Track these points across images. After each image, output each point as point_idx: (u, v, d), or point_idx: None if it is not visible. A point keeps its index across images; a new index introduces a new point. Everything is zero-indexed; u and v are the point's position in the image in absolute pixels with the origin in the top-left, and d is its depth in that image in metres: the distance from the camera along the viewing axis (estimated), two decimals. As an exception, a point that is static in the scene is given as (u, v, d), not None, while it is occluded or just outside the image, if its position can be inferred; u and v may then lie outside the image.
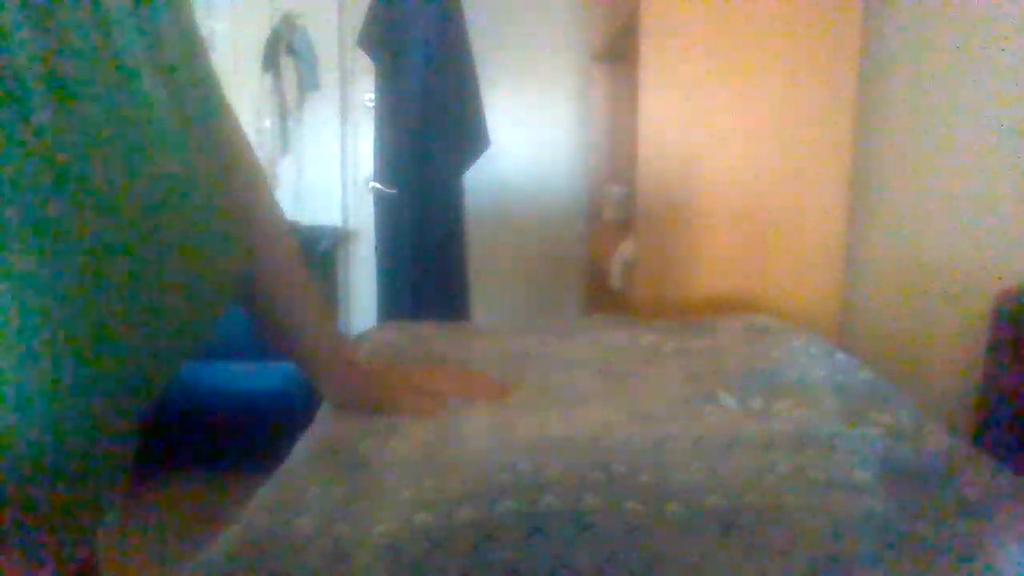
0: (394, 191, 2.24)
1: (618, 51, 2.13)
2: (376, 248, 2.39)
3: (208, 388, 2.27)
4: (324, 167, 2.89)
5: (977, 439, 0.98)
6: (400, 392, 0.80)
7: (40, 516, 0.40)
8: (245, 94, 2.76)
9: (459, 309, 2.32)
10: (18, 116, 0.34)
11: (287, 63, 2.81)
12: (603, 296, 2.24)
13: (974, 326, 1.10)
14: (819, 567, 0.52)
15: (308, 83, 2.82)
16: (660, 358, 0.98)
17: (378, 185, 2.31)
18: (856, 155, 1.46)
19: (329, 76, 2.84)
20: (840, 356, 0.94)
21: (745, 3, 1.42)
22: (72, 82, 0.36)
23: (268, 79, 2.82)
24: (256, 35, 2.79)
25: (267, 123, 2.84)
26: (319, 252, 2.63)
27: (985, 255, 1.13)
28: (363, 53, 2.32)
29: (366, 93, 2.66)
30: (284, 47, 2.79)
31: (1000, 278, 1.05)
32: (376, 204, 2.37)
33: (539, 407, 0.78)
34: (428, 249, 2.24)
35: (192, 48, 0.50)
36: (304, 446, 0.73)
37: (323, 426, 0.78)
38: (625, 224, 1.93)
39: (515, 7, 2.67)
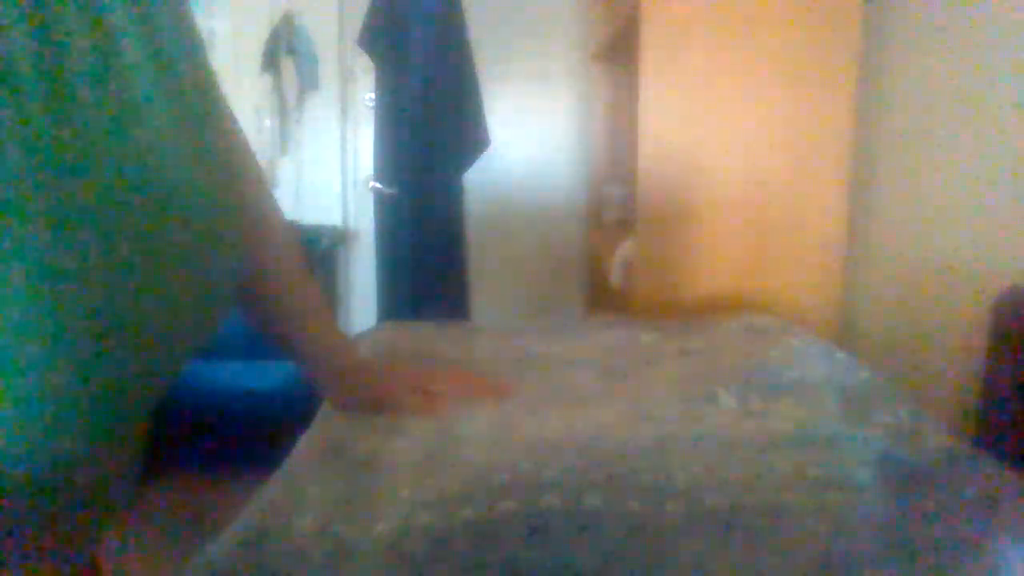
0: (394, 191, 2.24)
1: (618, 51, 2.13)
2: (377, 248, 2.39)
3: (208, 388, 2.27)
4: (324, 167, 2.89)
5: (977, 439, 0.98)
6: (401, 392, 0.80)
7: (44, 520, 0.40)
8: (245, 94, 2.76)
9: (459, 309, 2.31)
10: (13, 116, 0.34)
11: (287, 63, 2.81)
12: (603, 296, 2.24)
13: (974, 326, 1.10)
14: (819, 567, 0.52)
15: (308, 83, 2.82)
16: (660, 358, 0.98)
17: (378, 185, 2.31)
18: (856, 155, 1.46)
19: (329, 76, 2.84)
20: (840, 356, 0.94)
21: (745, 3, 1.41)
22: (69, 81, 0.36)
23: (268, 79, 2.82)
24: (256, 35, 2.79)
25: (267, 123, 2.85)
26: (319, 252, 2.63)
27: (985, 255, 1.13)
28: (363, 53, 2.32)
29: (366, 93, 2.66)
30: (284, 46, 2.79)
31: (1000, 278, 1.05)
32: (376, 204, 2.37)
33: (539, 407, 0.78)
34: (428, 249, 2.24)
35: (191, 47, 0.50)
36: (304, 446, 0.73)
37: (323, 426, 0.77)
38: (625, 224, 1.93)
39: (515, 7, 2.67)
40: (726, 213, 1.47)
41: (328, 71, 2.84)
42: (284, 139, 2.87)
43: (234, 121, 0.65)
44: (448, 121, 2.20)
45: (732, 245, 1.48)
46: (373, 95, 2.37)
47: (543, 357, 0.98)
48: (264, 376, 2.30)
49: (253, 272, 0.67)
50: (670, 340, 1.05)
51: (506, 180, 2.75)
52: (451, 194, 2.28)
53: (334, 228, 2.85)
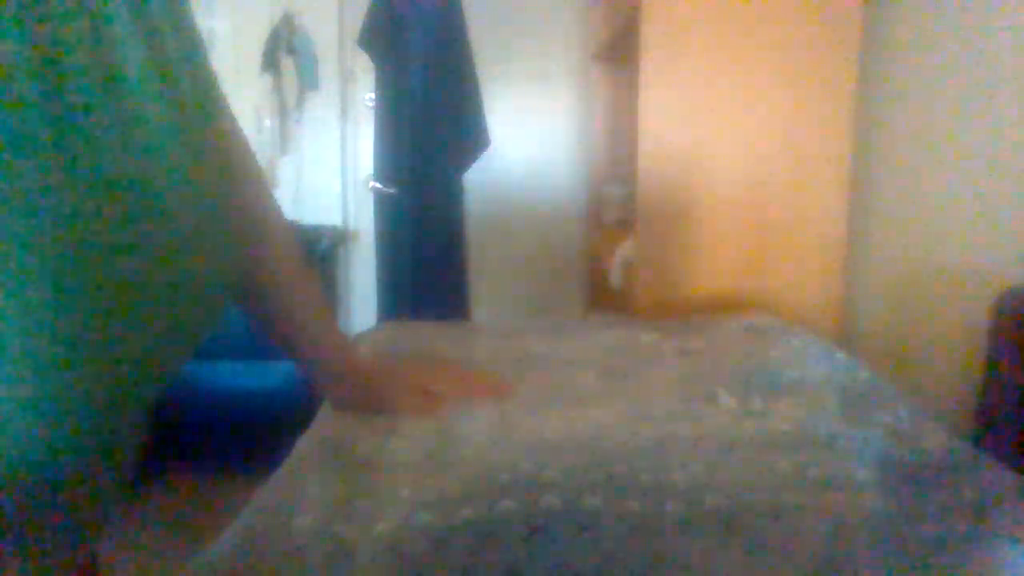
0: (394, 191, 2.24)
1: (618, 51, 2.13)
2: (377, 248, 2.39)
3: (208, 388, 2.27)
4: (324, 167, 2.89)
5: (977, 439, 0.98)
6: (400, 392, 0.80)
7: (41, 519, 0.40)
8: (245, 94, 2.75)
9: (459, 309, 2.31)
10: (11, 119, 0.34)
11: (287, 63, 2.81)
12: (603, 296, 2.24)
13: (974, 326, 1.10)
14: (819, 567, 0.52)
15: (308, 83, 2.82)
16: (660, 358, 0.98)
17: (378, 185, 2.31)
18: (856, 155, 1.46)
19: (329, 76, 2.84)
20: (840, 356, 0.94)
21: (745, 3, 1.42)
22: (68, 83, 0.36)
23: (268, 79, 2.82)
24: (256, 35, 2.79)
25: (267, 123, 2.84)
26: (319, 252, 2.63)
27: (985, 256, 1.13)
28: (363, 53, 2.32)
29: (366, 93, 2.66)
30: (284, 47, 2.79)
31: (1000, 278, 1.05)
32: (376, 204, 2.37)
33: (539, 407, 0.78)
34: (428, 249, 2.24)
35: (191, 47, 0.50)
36: (304, 446, 0.73)
37: (323, 426, 0.78)
38: (625, 224, 1.93)
39: (515, 7, 2.67)
40: (726, 213, 1.47)
41: (328, 71, 2.84)
42: (284, 139, 2.87)
43: (234, 121, 0.65)
44: (448, 121, 2.20)
45: (732, 245, 1.48)
46: (373, 95, 2.37)
47: (543, 357, 0.99)
48: (264, 376, 2.30)
49: (253, 272, 0.67)
50: (670, 340, 1.05)
51: (506, 180, 2.75)
52: (451, 194, 2.28)
53: (334, 228, 2.85)
